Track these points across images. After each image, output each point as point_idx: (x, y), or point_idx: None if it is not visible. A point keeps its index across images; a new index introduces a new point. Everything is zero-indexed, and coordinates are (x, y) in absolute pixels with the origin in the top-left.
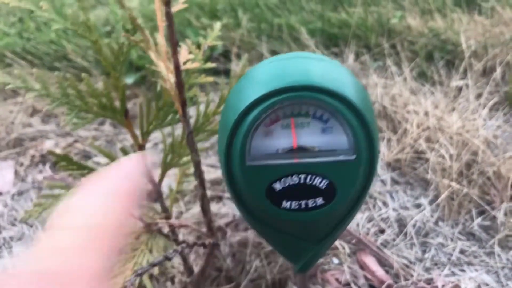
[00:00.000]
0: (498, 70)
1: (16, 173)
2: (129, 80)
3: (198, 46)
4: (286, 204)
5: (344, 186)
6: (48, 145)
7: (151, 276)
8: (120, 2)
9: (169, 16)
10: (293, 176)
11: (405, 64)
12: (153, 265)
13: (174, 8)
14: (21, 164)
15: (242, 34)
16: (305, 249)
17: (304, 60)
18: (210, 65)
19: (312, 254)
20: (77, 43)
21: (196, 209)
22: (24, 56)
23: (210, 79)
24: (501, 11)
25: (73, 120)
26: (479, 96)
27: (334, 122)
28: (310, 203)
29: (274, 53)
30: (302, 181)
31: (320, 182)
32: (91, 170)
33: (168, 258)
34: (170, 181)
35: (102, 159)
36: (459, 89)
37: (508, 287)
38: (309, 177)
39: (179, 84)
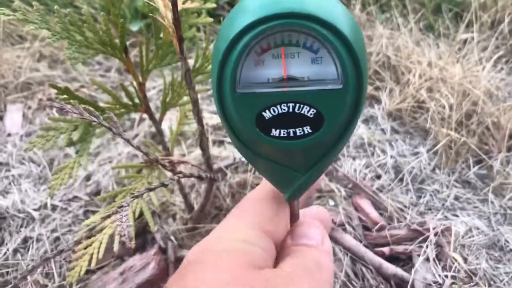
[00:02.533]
0: (506, 22)
1: (24, 115)
2: (134, 27)
3: None
4: (275, 132)
5: (332, 115)
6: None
7: (153, 213)
8: None
9: None
10: (282, 105)
11: (411, 16)
12: (149, 189)
13: None
14: (29, 107)
15: None
16: (293, 177)
17: None
18: (211, 5)
19: (300, 183)
20: None
21: (198, 151)
22: (29, 1)
23: (210, 19)
24: None
25: (74, 55)
26: (485, 48)
27: (324, 52)
28: (298, 131)
29: None
30: (291, 109)
31: (308, 111)
32: (92, 105)
33: (164, 185)
34: (172, 122)
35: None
36: (466, 42)
37: (499, 231)
38: (297, 105)
39: (176, 20)
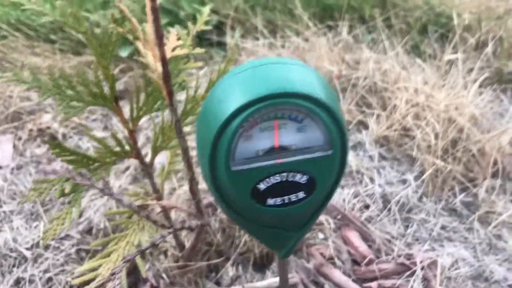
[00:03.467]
0: (490, 45)
1: (15, 147)
2: (124, 53)
3: (194, 17)
4: (270, 201)
5: (323, 178)
6: (45, 118)
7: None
8: None
9: (154, 10)
10: (276, 175)
11: (398, 38)
12: (141, 251)
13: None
14: (20, 138)
15: (237, 5)
16: (287, 237)
17: (279, 66)
18: (199, 50)
19: (293, 241)
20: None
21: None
22: (19, 28)
23: (199, 64)
24: None
25: (65, 110)
26: (470, 71)
27: (308, 121)
28: (293, 197)
29: (269, 25)
30: (284, 179)
31: (301, 178)
32: (84, 156)
33: (155, 245)
34: (162, 160)
35: (99, 133)
36: (451, 64)
37: (484, 262)
38: (291, 174)
39: (166, 75)
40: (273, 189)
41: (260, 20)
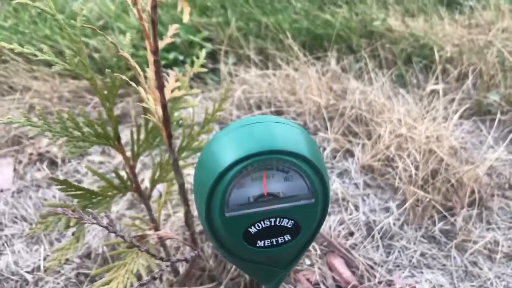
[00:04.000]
0: (470, 77)
1: (15, 170)
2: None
3: (190, 44)
4: (260, 243)
5: (307, 223)
6: (45, 142)
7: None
8: (115, 47)
9: (156, 64)
10: (265, 221)
11: (384, 68)
12: (141, 285)
13: (161, 45)
14: (20, 162)
15: (231, 33)
16: (275, 273)
17: (267, 125)
18: (196, 91)
19: (281, 276)
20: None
21: (182, 212)
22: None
23: (195, 103)
24: (479, 14)
25: (72, 150)
26: (452, 101)
27: (293, 173)
28: (280, 240)
29: (261, 53)
30: (272, 223)
31: (287, 222)
32: (88, 191)
33: (154, 278)
34: (159, 187)
35: (97, 158)
36: (434, 94)
37: None
38: (278, 219)
39: (166, 120)
40: (262, 233)
41: (252, 49)
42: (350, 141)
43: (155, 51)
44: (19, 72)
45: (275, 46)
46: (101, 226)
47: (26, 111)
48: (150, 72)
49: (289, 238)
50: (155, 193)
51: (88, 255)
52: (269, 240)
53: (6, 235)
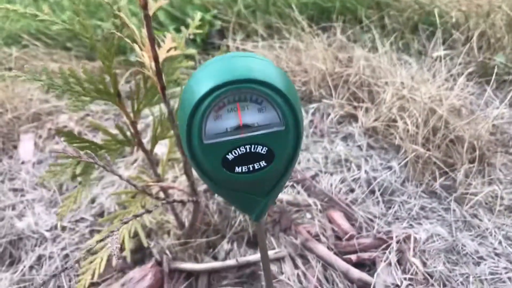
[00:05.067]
0: (476, 41)
1: (36, 144)
2: (133, 58)
3: (207, 23)
4: (238, 169)
5: (280, 150)
6: (62, 119)
7: (151, 230)
8: (111, 7)
9: (147, 17)
10: (241, 147)
11: (391, 37)
12: (135, 216)
13: (151, 10)
14: (40, 137)
15: (239, 10)
16: (256, 202)
17: (243, 58)
18: (191, 51)
19: (262, 205)
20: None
21: None
22: (38, 37)
23: (191, 63)
24: None
25: (74, 103)
26: (455, 65)
27: (266, 103)
28: (256, 166)
29: (269, 29)
30: (248, 150)
31: (262, 149)
32: (92, 143)
33: (148, 211)
34: (164, 150)
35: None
36: (439, 60)
37: (457, 237)
38: (253, 146)
39: (158, 72)
40: (239, 159)
41: (260, 25)
42: (354, 107)
43: (144, 5)
44: (38, 56)
45: (283, 21)
46: (99, 165)
47: (45, 92)
48: (145, 31)
49: (265, 164)
50: (160, 153)
51: (101, 214)
52: (246, 166)
53: (27, 200)
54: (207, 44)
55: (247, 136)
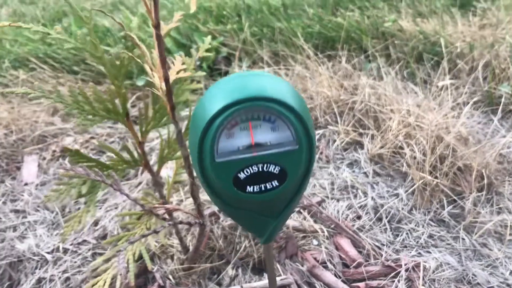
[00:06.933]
0: (481, 71)
1: (40, 166)
2: (140, 82)
3: (213, 49)
4: (249, 188)
5: (293, 169)
6: (67, 141)
7: (154, 254)
8: (121, 26)
9: (158, 37)
10: (253, 166)
11: (395, 65)
12: (143, 236)
13: (164, 31)
14: (44, 158)
15: (245, 38)
16: (266, 223)
17: (256, 77)
18: (200, 73)
19: (273, 227)
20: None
21: None
22: (46, 61)
23: (200, 85)
24: (492, 14)
25: (83, 122)
26: (461, 94)
27: (280, 122)
28: (268, 185)
29: (275, 56)
30: (260, 169)
31: (274, 168)
32: (98, 163)
33: (155, 232)
34: (171, 170)
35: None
36: (444, 89)
37: (467, 266)
38: (265, 165)
39: (168, 92)
40: (251, 178)
41: (266, 52)
42: (360, 134)
43: (156, 26)
44: (45, 79)
45: (288, 49)
46: (106, 183)
47: (50, 114)
48: (155, 51)
49: (277, 184)
50: (165, 176)
51: (104, 237)
52: (258, 186)
53: (29, 221)
54: (213, 70)
55: (259, 155)
